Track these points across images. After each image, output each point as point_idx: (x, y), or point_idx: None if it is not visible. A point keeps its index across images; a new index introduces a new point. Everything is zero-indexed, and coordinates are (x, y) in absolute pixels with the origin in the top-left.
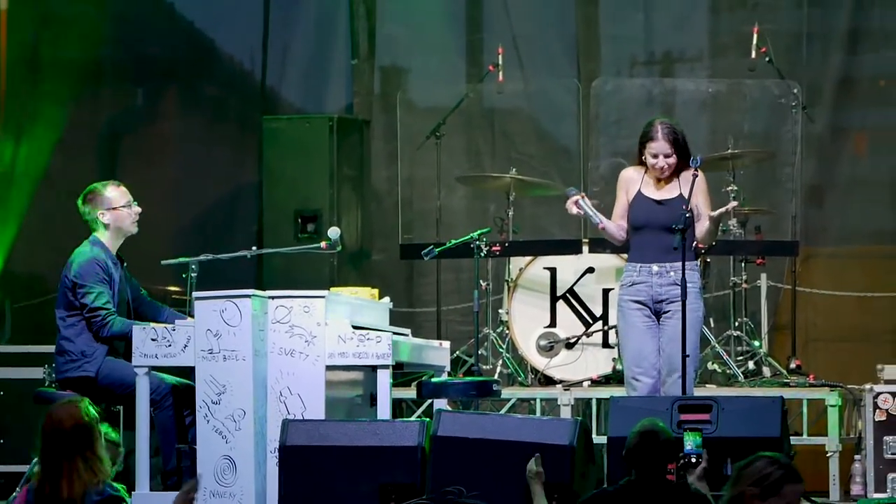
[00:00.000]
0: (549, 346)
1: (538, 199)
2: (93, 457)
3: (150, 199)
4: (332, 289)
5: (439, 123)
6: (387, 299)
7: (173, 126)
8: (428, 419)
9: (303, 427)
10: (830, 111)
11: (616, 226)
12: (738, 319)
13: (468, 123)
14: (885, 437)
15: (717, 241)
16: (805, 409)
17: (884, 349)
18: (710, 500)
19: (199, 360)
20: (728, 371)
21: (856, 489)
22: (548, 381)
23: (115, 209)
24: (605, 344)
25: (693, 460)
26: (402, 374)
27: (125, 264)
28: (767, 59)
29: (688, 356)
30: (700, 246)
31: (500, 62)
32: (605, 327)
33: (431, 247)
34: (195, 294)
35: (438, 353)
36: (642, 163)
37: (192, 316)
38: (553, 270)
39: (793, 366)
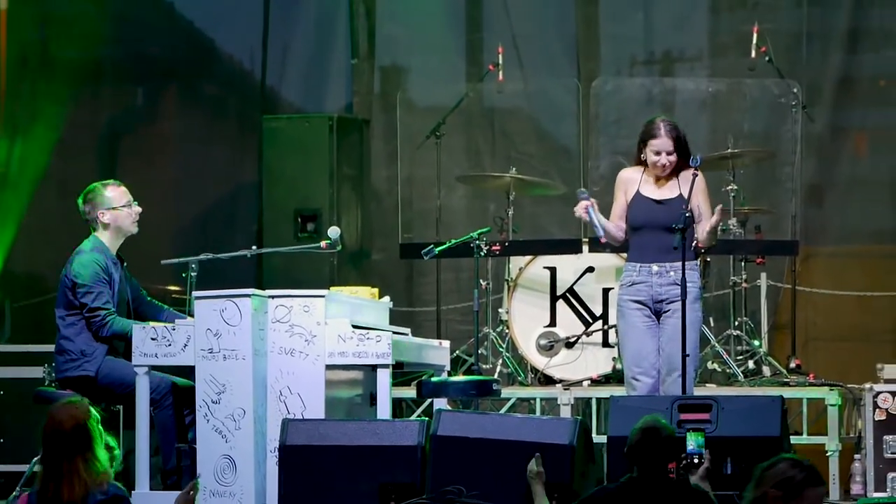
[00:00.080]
0: (549, 346)
1: (538, 199)
2: (93, 457)
3: (150, 199)
4: (331, 288)
5: (439, 123)
6: (387, 299)
7: (173, 126)
8: (428, 418)
9: (302, 426)
10: (830, 111)
11: (615, 226)
12: (738, 319)
13: (468, 123)
14: (885, 437)
15: (717, 241)
16: (805, 409)
17: (884, 348)
18: (713, 498)
19: (198, 359)
20: (728, 370)
21: (856, 488)
22: (548, 380)
23: (116, 209)
24: (605, 343)
25: (696, 461)
26: (402, 373)
27: (125, 264)
28: (767, 58)
29: (688, 355)
30: (700, 246)
31: (500, 62)
32: (605, 327)
33: (431, 246)
34: (195, 293)
35: (438, 352)
36: (641, 162)
37: (192, 315)
38: (553, 270)
39: (793, 365)
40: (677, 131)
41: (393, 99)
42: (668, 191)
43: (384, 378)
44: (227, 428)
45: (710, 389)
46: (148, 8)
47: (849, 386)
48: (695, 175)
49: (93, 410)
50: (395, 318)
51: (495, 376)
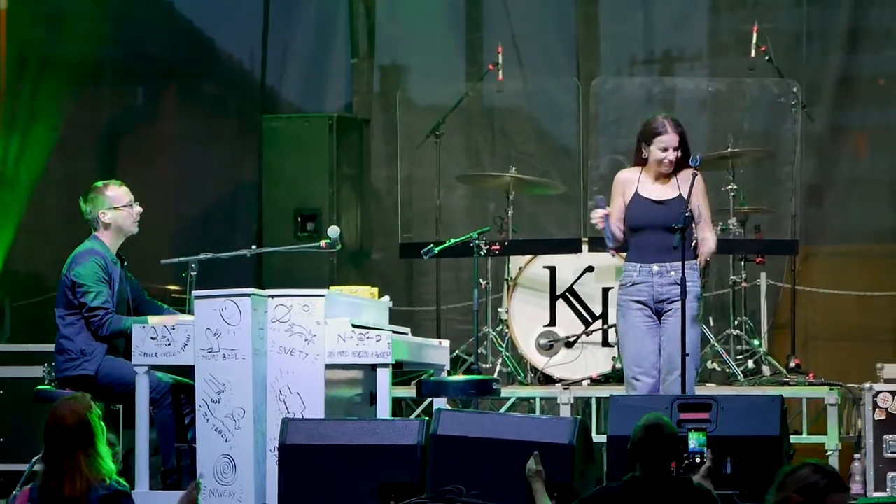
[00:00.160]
0: (549, 345)
1: (538, 198)
2: (95, 453)
3: (150, 199)
4: (331, 288)
5: (439, 122)
6: (386, 298)
7: (173, 125)
8: (427, 418)
9: (302, 426)
10: (830, 110)
11: (617, 228)
12: (738, 318)
13: (468, 122)
14: (885, 436)
15: (717, 240)
16: (805, 408)
17: (883, 348)
18: (716, 497)
19: (198, 358)
20: (728, 370)
21: (855, 488)
22: (547, 379)
23: (117, 209)
24: (605, 343)
25: (697, 460)
26: (402, 372)
27: (125, 264)
28: (767, 58)
29: (688, 355)
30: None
31: (500, 61)
32: (605, 326)
33: (431, 246)
34: (195, 293)
35: (438, 351)
36: (641, 161)
37: (192, 314)
38: (553, 269)
39: (792, 365)
40: (681, 127)
41: (393, 98)
42: (668, 191)
43: (384, 377)
44: (227, 427)
45: (710, 389)
46: (148, 8)
47: (848, 385)
48: (694, 175)
49: (95, 406)
50: (395, 318)
51: (495, 376)
